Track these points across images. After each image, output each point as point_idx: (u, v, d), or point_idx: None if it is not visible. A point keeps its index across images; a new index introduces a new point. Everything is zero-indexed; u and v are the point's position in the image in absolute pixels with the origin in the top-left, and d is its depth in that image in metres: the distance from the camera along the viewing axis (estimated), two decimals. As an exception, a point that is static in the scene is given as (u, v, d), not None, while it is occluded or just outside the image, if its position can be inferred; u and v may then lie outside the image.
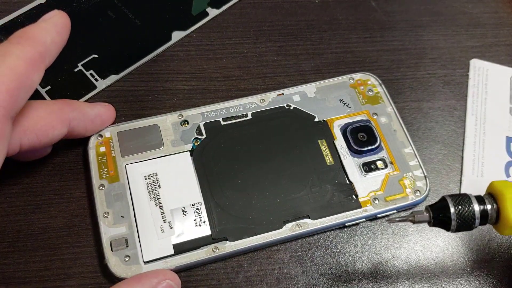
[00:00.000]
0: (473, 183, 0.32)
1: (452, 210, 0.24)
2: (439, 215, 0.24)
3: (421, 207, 0.30)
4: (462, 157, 0.33)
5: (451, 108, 0.35)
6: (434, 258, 0.30)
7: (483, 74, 0.37)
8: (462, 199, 0.24)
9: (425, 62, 0.37)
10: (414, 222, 0.25)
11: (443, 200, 0.25)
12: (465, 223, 0.24)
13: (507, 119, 0.35)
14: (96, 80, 0.33)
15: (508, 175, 0.32)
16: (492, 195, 0.25)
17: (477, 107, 0.35)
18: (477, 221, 0.24)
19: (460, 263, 0.30)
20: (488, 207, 0.24)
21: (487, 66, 0.37)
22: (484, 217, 0.24)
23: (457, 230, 0.24)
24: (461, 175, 0.32)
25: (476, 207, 0.24)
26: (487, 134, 0.34)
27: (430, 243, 0.30)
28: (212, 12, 0.37)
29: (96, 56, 0.34)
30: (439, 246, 0.30)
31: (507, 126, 0.34)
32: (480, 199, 0.24)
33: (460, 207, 0.24)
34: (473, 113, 0.35)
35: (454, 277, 0.29)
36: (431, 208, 0.25)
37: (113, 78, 0.34)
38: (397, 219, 0.25)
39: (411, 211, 0.27)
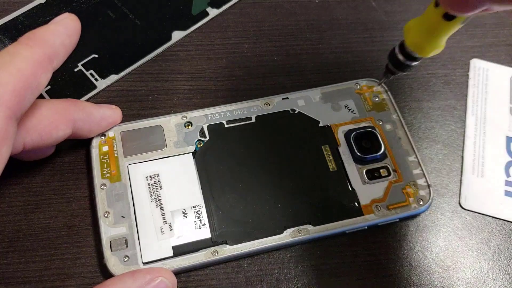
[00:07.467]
0: (473, 183, 0.32)
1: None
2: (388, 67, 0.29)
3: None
4: (462, 157, 0.33)
5: (451, 108, 0.35)
6: (434, 258, 0.30)
7: (483, 74, 0.36)
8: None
9: (425, 62, 0.37)
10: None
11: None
12: (392, 57, 0.29)
13: (507, 119, 0.35)
14: (96, 80, 0.33)
15: (508, 175, 0.32)
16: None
17: (477, 107, 0.35)
18: (399, 54, 0.28)
19: (460, 263, 0.30)
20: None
21: (487, 66, 0.37)
22: (402, 49, 0.28)
23: (394, 66, 0.29)
24: (461, 175, 0.32)
25: (397, 48, 0.28)
26: (487, 134, 0.34)
27: (430, 243, 0.30)
28: (212, 12, 0.37)
29: (96, 56, 0.34)
30: (439, 246, 0.30)
31: (507, 126, 0.34)
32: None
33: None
34: (473, 113, 0.35)
35: (454, 277, 0.29)
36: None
37: (113, 78, 0.34)
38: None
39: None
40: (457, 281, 0.29)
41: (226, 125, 0.32)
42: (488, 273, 0.29)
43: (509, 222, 0.31)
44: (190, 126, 0.31)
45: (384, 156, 0.31)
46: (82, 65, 0.34)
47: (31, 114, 0.26)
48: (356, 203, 0.30)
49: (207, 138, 0.31)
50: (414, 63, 0.28)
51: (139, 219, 0.28)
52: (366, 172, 0.31)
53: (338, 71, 0.35)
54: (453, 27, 0.25)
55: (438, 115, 0.35)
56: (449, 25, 0.25)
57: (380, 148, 0.31)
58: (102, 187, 0.29)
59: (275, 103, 0.33)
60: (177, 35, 0.36)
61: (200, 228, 0.28)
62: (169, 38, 0.36)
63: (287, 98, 0.33)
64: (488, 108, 0.35)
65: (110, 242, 0.27)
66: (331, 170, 0.31)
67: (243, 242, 0.28)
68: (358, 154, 0.31)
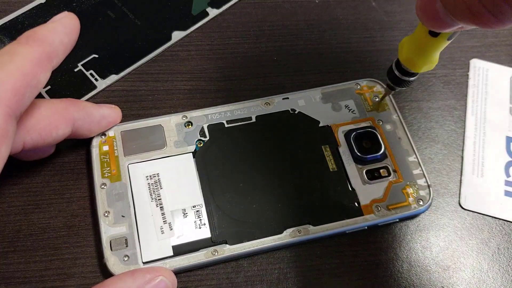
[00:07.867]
0: (473, 183, 0.32)
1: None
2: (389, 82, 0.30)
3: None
4: (462, 157, 0.33)
5: (451, 108, 0.35)
6: (434, 258, 0.30)
7: (483, 74, 0.37)
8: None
9: (425, 62, 0.37)
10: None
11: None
12: (390, 73, 0.29)
13: (507, 119, 0.35)
14: (96, 80, 0.33)
15: (508, 175, 0.32)
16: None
17: (477, 107, 0.35)
18: (395, 70, 0.29)
19: (460, 263, 0.30)
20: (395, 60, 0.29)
21: (487, 66, 0.37)
22: (398, 65, 0.28)
23: (391, 81, 0.30)
24: (461, 175, 0.32)
25: (393, 64, 0.29)
26: (487, 134, 0.34)
27: (430, 243, 0.30)
28: (212, 12, 0.37)
29: (96, 56, 0.34)
30: (439, 246, 0.30)
31: (507, 126, 0.34)
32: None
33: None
34: (473, 113, 0.35)
35: (454, 277, 0.29)
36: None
37: (113, 78, 0.34)
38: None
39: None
40: (457, 281, 0.29)
41: (226, 125, 0.32)
42: (488, 273, 0.29)
43: (509, 222, 0.31)
44: (190, 126, 0.31)
45: (384, 156, 0.31)
46: (82, 65, 0.34)
47: (31, 113, 0.26)
48: (356, 203, 0.30)
49: (207, 138, 0.31)
50: (411, 79, 0.29)
51: (139, 218, 0.28)
52: (366, 172, 0.31)
53: (338, 71, 0.35)
54: (440, 43, 0.25)
55: (438, 115, 0.35)
56: (436, 41, 0.25)
57: (380, 148, 0.31)
58: (102, 186, 0.29)
59: (275, 103, 0.33)
60: (177, 35, 0.36)
61: (200, 228, 0.28)
62: (169, 38, 0.36)
63: (287, 98, 0.33)
64: (488, 108, 0.35)
65: (110, 241, 0.27)
66: (331, 170, 0.31)
67: (243, 242, 0.28)
68: (358, 154, 0.31)
